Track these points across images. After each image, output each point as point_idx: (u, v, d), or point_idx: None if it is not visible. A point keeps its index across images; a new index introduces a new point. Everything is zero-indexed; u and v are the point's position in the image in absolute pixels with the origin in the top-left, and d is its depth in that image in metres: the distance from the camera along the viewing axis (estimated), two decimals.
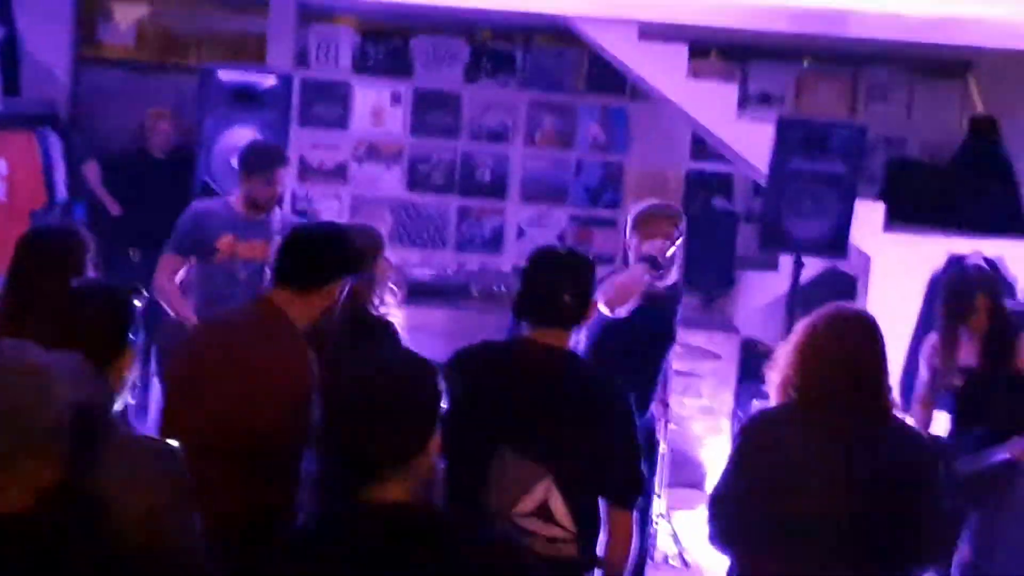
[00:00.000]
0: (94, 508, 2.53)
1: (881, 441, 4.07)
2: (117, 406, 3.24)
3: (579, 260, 4.22)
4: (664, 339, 6.31)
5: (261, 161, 6.87)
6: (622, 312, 5.70)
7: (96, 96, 10.26)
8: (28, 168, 8.55)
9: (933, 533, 4.17)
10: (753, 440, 4.19)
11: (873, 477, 3.99)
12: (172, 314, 6.73)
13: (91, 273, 4.47)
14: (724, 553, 4.19)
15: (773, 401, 4.25)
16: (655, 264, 5.88)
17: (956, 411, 6.20)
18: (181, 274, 6.91)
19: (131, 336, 3.37)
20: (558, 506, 3.59)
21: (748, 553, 4.12)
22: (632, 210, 6.29)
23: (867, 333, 4.17)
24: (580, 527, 3.88)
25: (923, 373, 6.38)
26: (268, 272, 6.80)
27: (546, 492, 3.63)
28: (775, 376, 4.21)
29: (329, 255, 4.38)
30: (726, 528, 4.12)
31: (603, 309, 5.48)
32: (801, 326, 4.22)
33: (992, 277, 6.62)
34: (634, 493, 4.08)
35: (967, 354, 6.17)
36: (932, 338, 6.38)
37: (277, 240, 6.83)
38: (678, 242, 6.09)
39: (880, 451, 4.04)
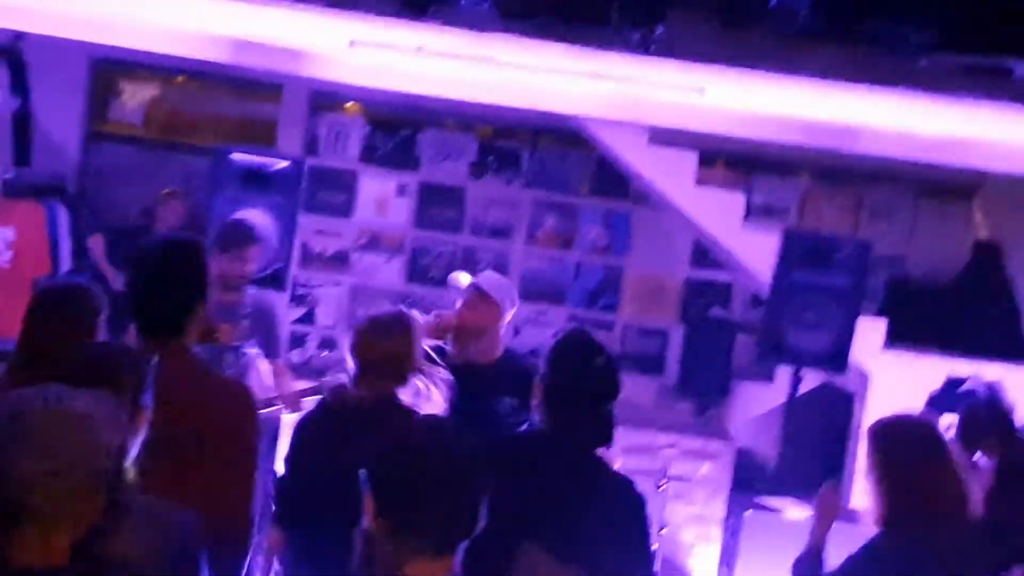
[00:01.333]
0: (116, 568, 2.49)
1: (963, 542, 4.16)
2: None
3: (606, 367, 4.18)
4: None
5: (233, 238, 6.85)
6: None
7: (105, 172, 10.31)
8: (34, 237, 8.55)
9: None
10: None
11: None
12: None
13: (103, 329, 4.44)
14: None
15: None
16: None
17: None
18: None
19: (146, 396, 3.38)
20: None
21: None
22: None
23: (938, 444, 4.24)
24: None
25: None
26: (232, 355, 6.84)
27: None
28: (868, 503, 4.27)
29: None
30: None
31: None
32: (872, 446, 4.29)
33: (1004, 410, 6.60)
34: None
35: (984, 479, 6.16)
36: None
37: (245, 324, 6.86)
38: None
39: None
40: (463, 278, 6.59)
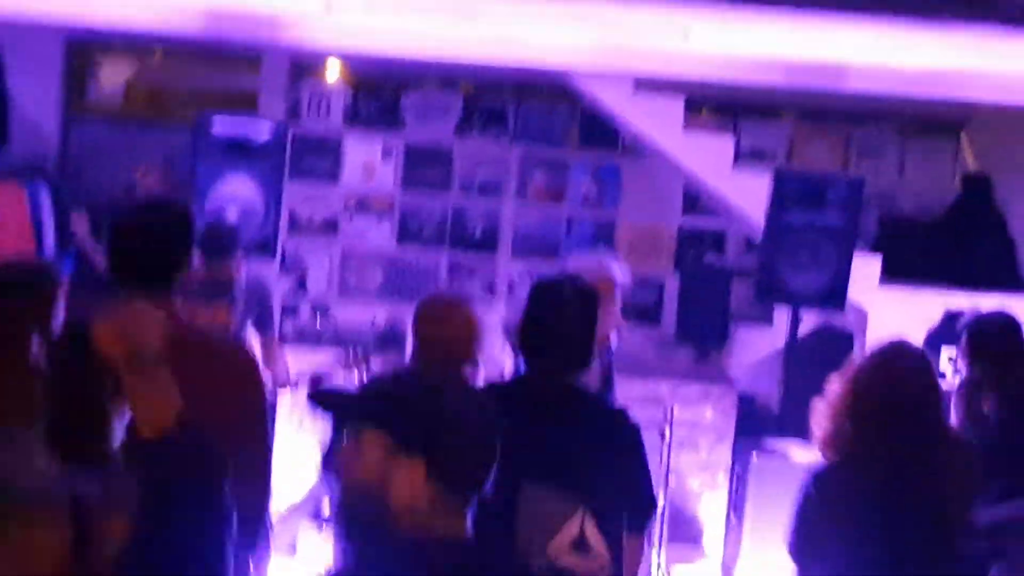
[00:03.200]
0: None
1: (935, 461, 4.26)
2: None
3: (584, 295, 4.18)
4: None
5: (214, 245, 6.44)
6: None
7: (86, 150, 10.21)
8: (16, 220, 8.45)
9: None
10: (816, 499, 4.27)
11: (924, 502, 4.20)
12: None
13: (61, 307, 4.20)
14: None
15: (821, 454, 4.34)
16: None
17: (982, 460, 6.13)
18: None
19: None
20: (594, 536, 3.47)
21: None
22: None
23: (919, 367, 4.28)
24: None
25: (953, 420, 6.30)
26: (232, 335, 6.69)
27: (581, 524, 3.52)
28: (820, 429, 4.28)
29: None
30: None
31: None
32: (847, 372, 4.29)
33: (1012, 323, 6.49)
34: (650, 516, 4.28)
35: (991, 403, 6.08)
36: (958, 386, 6.30)
37: (239, 305, 6.71)
38: None
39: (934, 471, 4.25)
40: None
